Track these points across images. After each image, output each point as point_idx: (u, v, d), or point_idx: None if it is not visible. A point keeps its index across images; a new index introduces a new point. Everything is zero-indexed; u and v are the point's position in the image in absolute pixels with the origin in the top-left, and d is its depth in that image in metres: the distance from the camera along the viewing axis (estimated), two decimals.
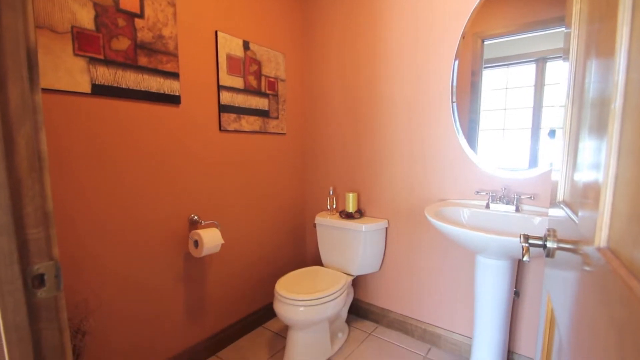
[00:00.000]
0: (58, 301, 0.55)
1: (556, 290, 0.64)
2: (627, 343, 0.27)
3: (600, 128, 0.45)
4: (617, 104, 0.39)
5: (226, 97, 1.72)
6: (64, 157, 1.18)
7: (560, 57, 1.39)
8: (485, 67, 1.58)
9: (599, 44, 0.50)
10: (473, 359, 1.49)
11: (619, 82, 0.39)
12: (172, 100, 1.48)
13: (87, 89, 1.21)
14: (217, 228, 1.71)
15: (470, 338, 1.74)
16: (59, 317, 0.55)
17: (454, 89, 1.66)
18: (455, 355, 1.79)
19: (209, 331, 1.78)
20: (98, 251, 1.30)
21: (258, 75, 1.89)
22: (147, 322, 1.49)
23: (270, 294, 2.16)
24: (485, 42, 1.56)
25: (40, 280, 0.52)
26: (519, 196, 1.50)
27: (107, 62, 1.26)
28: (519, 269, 1.57)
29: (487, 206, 1.55)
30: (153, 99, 1.41)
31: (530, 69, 1.47)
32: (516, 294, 1.55)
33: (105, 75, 1.25)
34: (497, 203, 1.53)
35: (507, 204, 1.50)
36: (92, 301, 1.29)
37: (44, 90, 1.12)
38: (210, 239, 1.55)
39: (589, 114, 0.54)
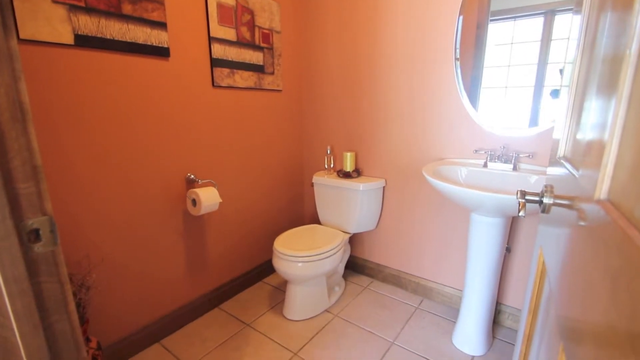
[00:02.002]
0: (56, 255, 0.55)
1: (549, 243, 0.66)
2: (620, 289, 0.28)
3: (610, 81, 0.43)
4: (633, 49, 0.36)
5: (218, 50, 1.64)
6: (47, 114, 1.14)
7: (571, 9, 1.31)
8: (491, 20, 1.49)
9: None
10: (463, 310, 1.57)
11: (636, 25, 0.36)
12: (161, 52, 1.40)
13: (69, 39, 1.14)
14: (215, 187, 1.71)
15: (461, 291, 1.83)
16: (59, 270, 0.56)
17: (458, 45, 1.58)
18: (446, 306, 1.88)
19: (210, 285, 1.85)
20: (95, 209, 1.30)
21: (251, 26, 1.79)
22: (149, 277, 1.53)
23: (269, 251, 2.22)
24: None
25: (36, 235, 0.52)
26: (518, 155, 1.49)
27: (89, 10, 1.17)
28: (512, 226, 1.60)
29: (485, 165, 1.55)
30: (140, 51, 1.33)
31: (538, 22, 1.39)
32: (508, 249, 1.60)
33: (88, 24, 1.17)
34: (495, 162, 1.52)
35: (505, 162, 1.50)
36: (94, 257, 1.32)
37: (23, 41, 1.05)
38: (208, 197, 1.55)
39: (598, 69, 0.51)
